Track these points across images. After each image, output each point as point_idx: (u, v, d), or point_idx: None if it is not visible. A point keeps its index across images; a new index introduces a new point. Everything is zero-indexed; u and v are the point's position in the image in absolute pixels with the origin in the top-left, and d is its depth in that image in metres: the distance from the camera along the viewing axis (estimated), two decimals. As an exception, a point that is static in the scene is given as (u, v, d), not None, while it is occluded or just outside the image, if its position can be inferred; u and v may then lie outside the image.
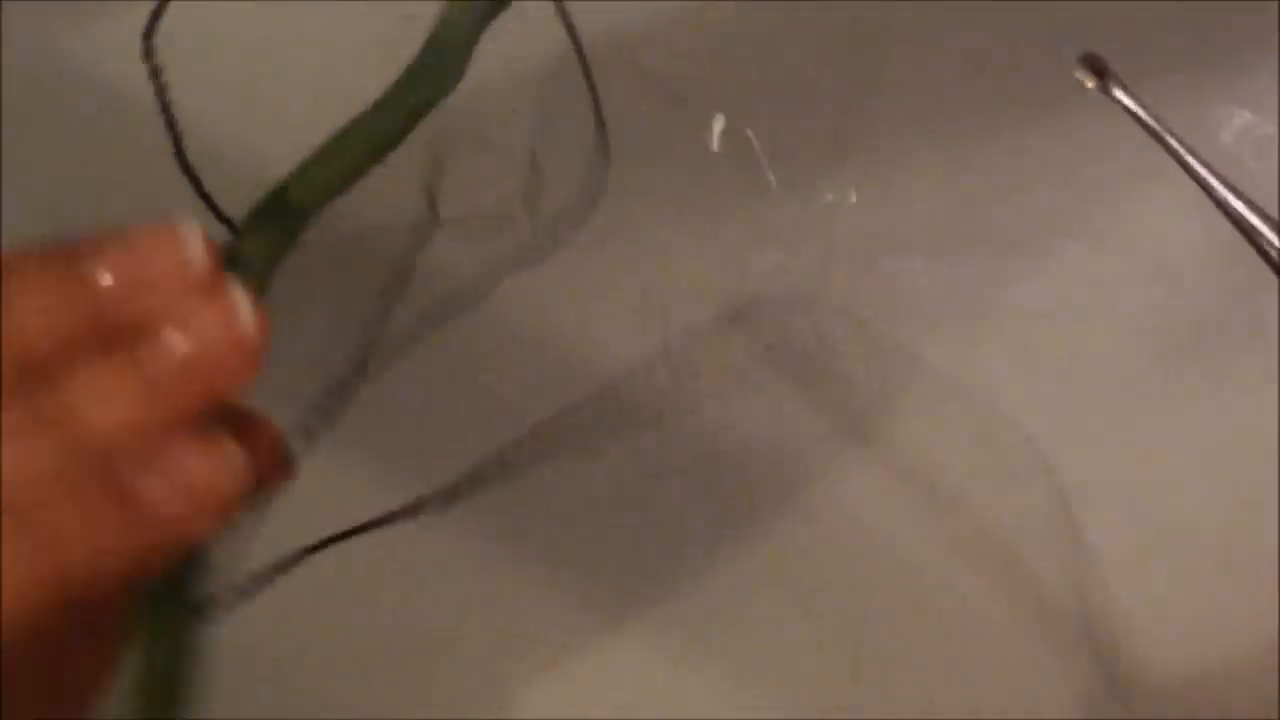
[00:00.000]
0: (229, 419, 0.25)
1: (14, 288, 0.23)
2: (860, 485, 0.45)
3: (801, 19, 0.48)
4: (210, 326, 0.24)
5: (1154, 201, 0.47)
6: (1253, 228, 0.37)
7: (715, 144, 0.47)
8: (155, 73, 0.31)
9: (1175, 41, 0.47)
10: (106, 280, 0.24)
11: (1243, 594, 0.45)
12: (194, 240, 0.25)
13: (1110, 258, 0.47)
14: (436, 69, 0.30)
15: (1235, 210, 0.37)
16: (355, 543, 0.41)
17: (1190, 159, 0.39)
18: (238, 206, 0.48)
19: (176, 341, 0.24)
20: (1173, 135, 0.39)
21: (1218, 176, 0.38)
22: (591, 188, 0.45)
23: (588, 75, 0.40)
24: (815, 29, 0.48)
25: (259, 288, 0.26)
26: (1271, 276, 0.38)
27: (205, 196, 0.31)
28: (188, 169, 0.32)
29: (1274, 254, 0.37)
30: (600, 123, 0.43)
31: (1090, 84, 0.39)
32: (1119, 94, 0.38)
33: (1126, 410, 0.46)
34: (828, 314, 0.46)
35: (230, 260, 0.26)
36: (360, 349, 0.43)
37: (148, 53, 0.32)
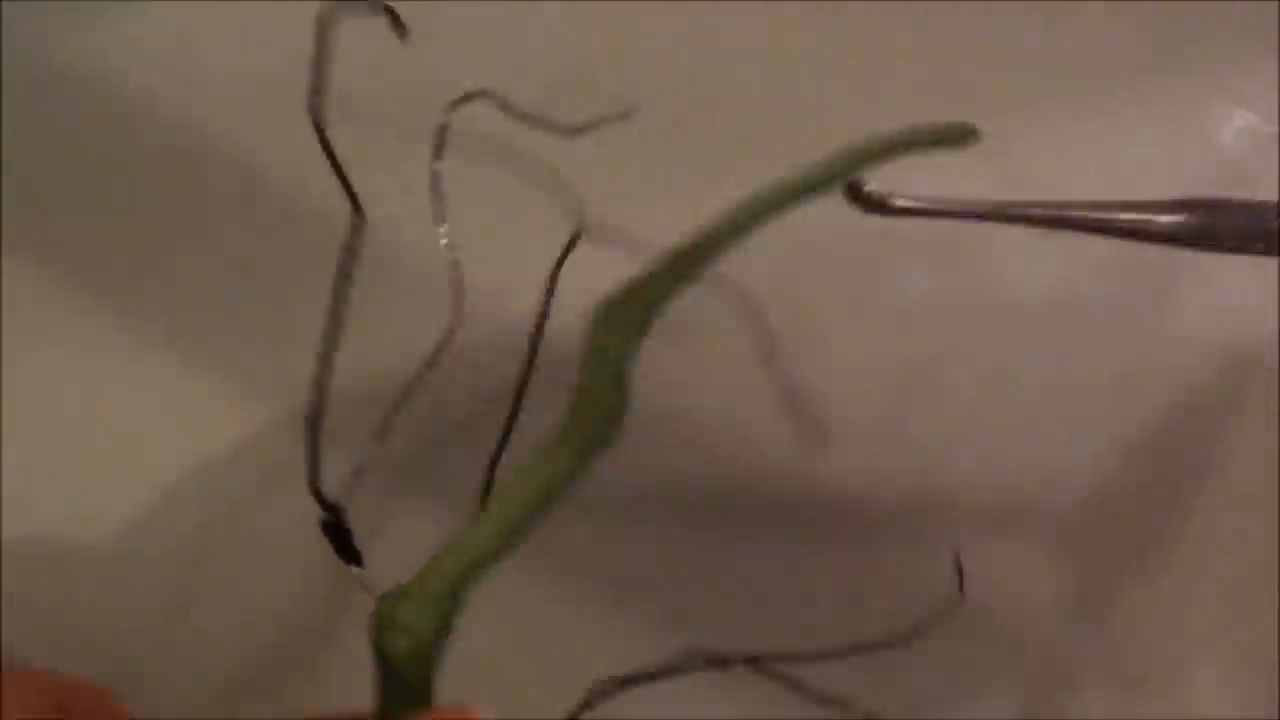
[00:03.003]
0: None
1: None
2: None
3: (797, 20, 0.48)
4: None
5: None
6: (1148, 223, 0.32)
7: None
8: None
9: (1175, 41, 0.47)
10: None
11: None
12: None
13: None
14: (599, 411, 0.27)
15: (1127, 222, 0.32)
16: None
17: (1037, 211, 0.33)
18: (231, 205, 0.48)
19: None
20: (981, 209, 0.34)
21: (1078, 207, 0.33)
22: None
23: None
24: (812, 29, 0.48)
25: None
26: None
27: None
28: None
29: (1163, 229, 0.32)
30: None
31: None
32: (901, 202, 0.31)
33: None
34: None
35: None
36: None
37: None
